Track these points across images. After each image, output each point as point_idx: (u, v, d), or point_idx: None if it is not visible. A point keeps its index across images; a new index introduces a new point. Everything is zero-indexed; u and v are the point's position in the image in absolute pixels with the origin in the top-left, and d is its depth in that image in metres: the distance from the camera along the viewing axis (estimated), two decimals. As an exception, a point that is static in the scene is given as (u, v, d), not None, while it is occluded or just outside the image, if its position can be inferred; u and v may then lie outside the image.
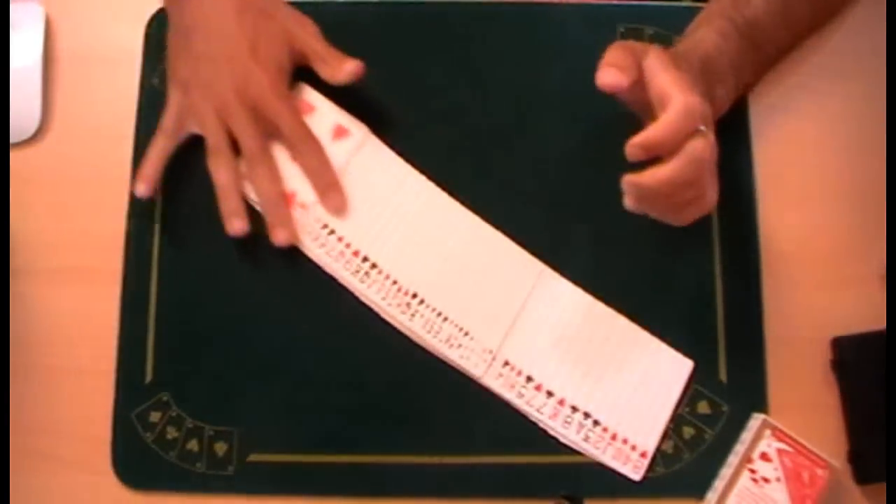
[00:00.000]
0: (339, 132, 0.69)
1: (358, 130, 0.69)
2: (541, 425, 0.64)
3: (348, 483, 0.64)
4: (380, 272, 0.66)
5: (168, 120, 0.67)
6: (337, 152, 0.68)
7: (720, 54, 0.63)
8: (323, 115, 0.69)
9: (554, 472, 0.64)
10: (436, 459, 0.64)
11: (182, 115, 0.67)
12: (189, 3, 0.66)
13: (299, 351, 0.66)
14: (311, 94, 0.69)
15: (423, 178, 0.68)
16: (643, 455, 0.64)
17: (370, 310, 0.66)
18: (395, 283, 0.66)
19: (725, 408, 0.65)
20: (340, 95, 0.69)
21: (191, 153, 0.69)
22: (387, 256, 0.67)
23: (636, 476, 0.63)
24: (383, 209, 0.67)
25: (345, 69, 0.66)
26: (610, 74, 0.56)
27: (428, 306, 0.66)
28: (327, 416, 0.65)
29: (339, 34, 0.71)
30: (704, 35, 0.64)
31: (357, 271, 0.66)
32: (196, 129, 0.67)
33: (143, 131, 0.70)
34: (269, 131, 0.66)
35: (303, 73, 0.68)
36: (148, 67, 0.71)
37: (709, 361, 0.65)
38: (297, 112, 0.67)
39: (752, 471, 0.62)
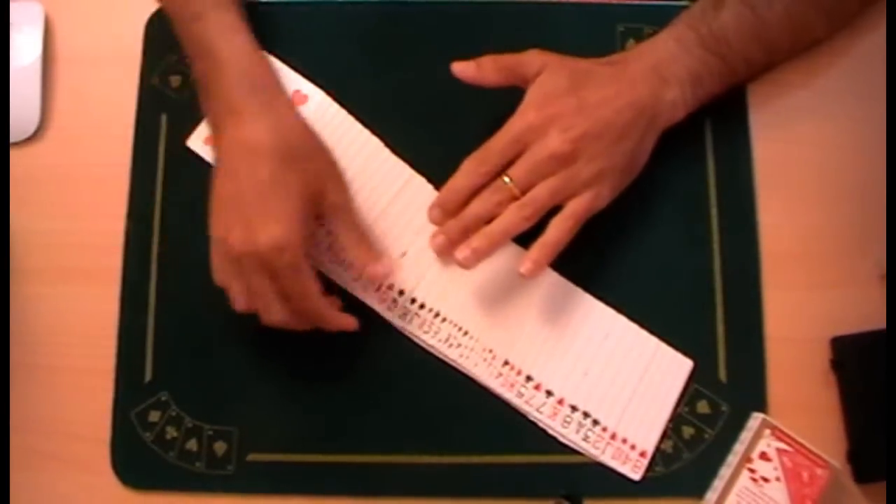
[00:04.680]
0: (298, 98, 0.69)
1: (316, 95, 0.69)
2: (540, 425, 0.64)
3: (348, 483, 0.64)
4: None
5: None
6: None
7: (674, 61, 0.64)
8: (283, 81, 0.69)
9: (554, 471, 0.64)
10: (436, 459, 0.64)
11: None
12: (224, 131, 0.62)
13: (299, 350, 0.66)
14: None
15: (382, 145, 0.69)
16: (643, 454, 0.64)
17: (369, 309, 0.66)
18: (391, 286, 0.66)
19: (725, 407, 0.65)
20: (337, 96, 0.69)
21: (191, 154, 0.69)
22: (385, 258, 0.67)
23: (636, 476, 0.63)
24: (375, 205, 0.68)
25: (375, 271, 0.64)
26: (462, 66, 0.65)
27: (426, 307, 0.66)
28: (327, 415, 0.65)
29: (339, 34, 0.72)
30: (662, 40, 0.65)
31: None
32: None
33: (143, 131, 0.70)
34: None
35: (262, 39, 0.68)
36: (148, 67, 0.71)
37: (709, 361, 0.65)
38: (304, 275, 0.60)
39: (752, 470, 0.62)
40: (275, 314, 0.60)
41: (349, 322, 0.63)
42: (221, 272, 0.61)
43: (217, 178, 0.61)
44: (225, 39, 0.62)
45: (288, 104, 0.63)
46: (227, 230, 0.59)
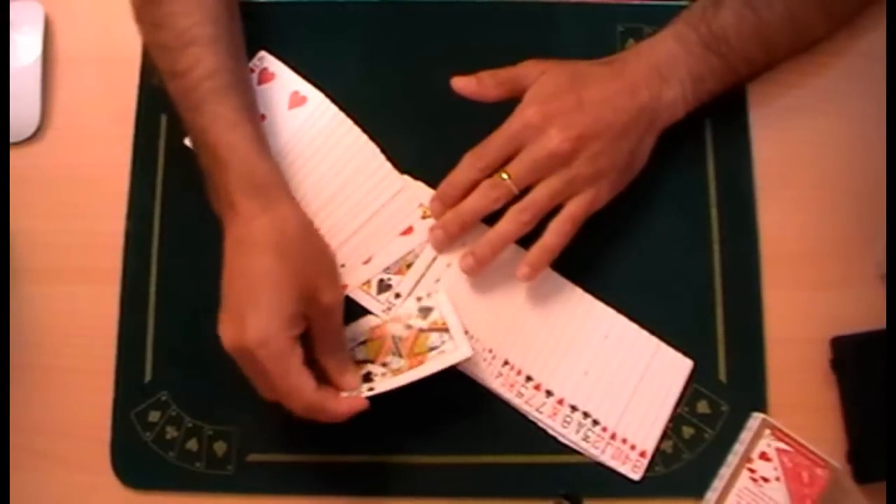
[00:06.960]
0: (296, 99, 0.69)
1: (314, 97, 0.69)
2: (540, 425, 0.64)
3: (348, 483, 0.64)
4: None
5: None
6: (293, 119, 0.69)
7: (674, 60, 0.64)
8: (282, 82, 0.70)
9: (554, 472, 0.64)
10: (436, 459, 0.64)
11: None
12: (227, 227, 0.60)
13: (299, 351, 0.66)
14: (270, 62, 0.70)
15: (378, 151, 0.68)
16: (643, 454, 0.64)
17: (368, 311, 0.66)
18: (388, 286, 0.66)
19: (725, 407, 0.65)
20: (337, 96, 0.69)
21: (190, 153, 0.69)
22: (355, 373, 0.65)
23: (636, 476, 0.63)
24: (367, 210, 0.68)
25: (346, 381, 0.61)
26: (462, 81, 0.65)
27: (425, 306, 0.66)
28: (327, 415, 0.65)
29: (339, 34, 0.72)
30: (662, 39, 0.65)
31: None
32: None
33: (143, 131, 0.70)
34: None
35: (262, 39, 0.69)
36: (148, 67, 0.71)
37: (708, 361, 0.65)
38: (290, 371, 0.58)
39: (752, 470, 0.62)
40: (287, 406, 0.58)
41: (351, 406, 0.59)
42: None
43: (223, 276, 0.60)
44: (224, 136, 0.60)
45: (289, 202, 0.61)
46: (223, 328, 0.58)
